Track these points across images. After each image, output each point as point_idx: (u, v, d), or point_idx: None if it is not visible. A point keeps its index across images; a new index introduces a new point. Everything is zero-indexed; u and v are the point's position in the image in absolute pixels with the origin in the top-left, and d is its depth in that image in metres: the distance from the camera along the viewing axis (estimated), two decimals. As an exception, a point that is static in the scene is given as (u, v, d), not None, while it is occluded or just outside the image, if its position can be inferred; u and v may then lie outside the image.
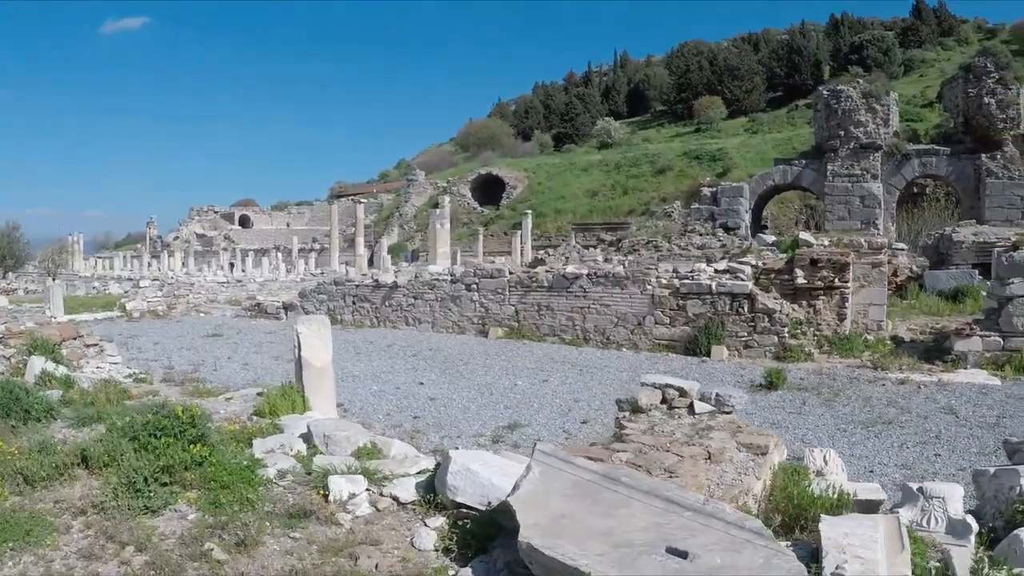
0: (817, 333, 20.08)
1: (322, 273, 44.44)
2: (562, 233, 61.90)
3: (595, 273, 21.90)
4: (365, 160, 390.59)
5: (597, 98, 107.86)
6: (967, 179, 42.80)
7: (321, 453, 7.74)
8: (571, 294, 21.93)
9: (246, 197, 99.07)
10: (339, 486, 6.47)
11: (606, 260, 42.55)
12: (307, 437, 8.19)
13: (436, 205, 71.58)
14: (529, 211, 59.53)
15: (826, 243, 23.03)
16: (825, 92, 47.15)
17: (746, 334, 19.80)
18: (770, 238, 26.67)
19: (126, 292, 32.77)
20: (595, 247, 50.11)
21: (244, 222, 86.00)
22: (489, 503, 5.81)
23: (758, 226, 49.17)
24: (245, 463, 7.11)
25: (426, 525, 5.88)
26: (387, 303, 24.91)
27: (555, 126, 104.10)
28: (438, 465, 6.67)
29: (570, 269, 22.74)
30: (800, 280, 20.51)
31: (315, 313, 26.19)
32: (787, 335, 19.53)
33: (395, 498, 6.44)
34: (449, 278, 23.85)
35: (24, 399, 9.50)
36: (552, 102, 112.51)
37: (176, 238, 73.95)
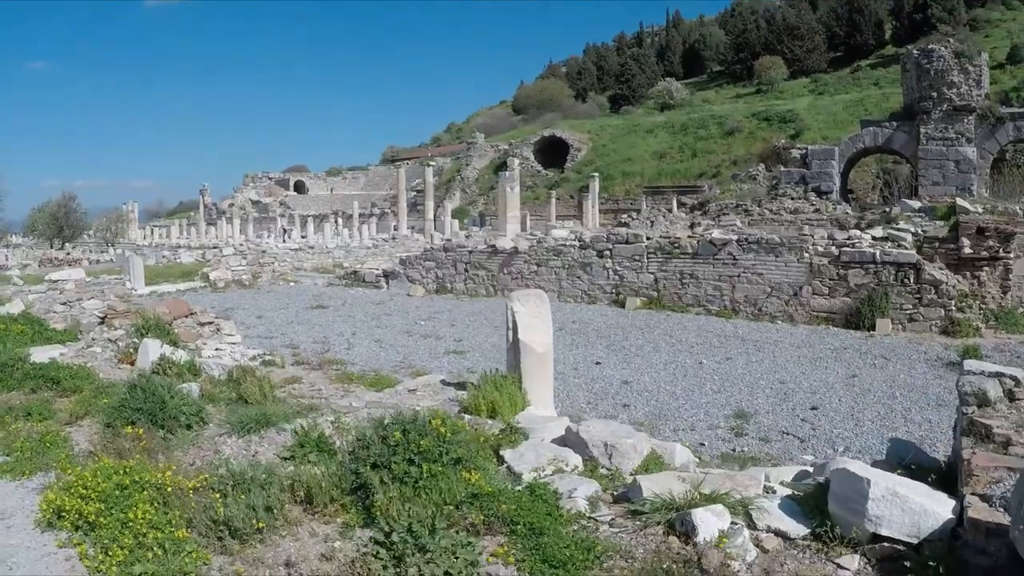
0: (983, 307, 18.18)
1: (393, 238, 42.65)
2: (630, 196, 59.97)
3: (746, 239, 19.86)
4: (413, 125, 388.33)
5: (652, 59, 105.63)
6: (1063, 145, 40.49)
7: (603, 467, 6.32)
8: (719, 261, 19.91)
9: (297, 163, 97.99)
10: (706, 522, 4.78)
11: (693, 224, 40.54)
12: (567, 444, 6.74)
13: (498, 168, 69.87)
14: (596, 174, 57.43)
15: (980, 210, 21.32)
16: (916, 51, 44.47)
17: (911, 307, 17.91)
18: (916, 204, 24.59)
19: (205, 260, 30.95)
20: (671, 210, 47.92)
21: (299, 188, 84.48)
22: (919, 535, 4.46)
23: (845, 190, 46.89)
24: (539, 493, 5.43)
25: (841, 567, 4.48)
26: (505, 271, 22.87)
27: (609, 88, 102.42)
28: (819, 482, 5.34)
29: (716, 235, 20.69)
30: (967, 250, 18.86)
31: (419, 281, 24.41)
32: (954, 308, 17.63)
33: (780, 533, 4.86)
34: (578, 244, 21.78)
35: (170, 403, 7.61)
36: (605, 63, 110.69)
37: (231, 205, 72.29)
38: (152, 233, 65.55)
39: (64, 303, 19.35)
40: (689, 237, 20.81)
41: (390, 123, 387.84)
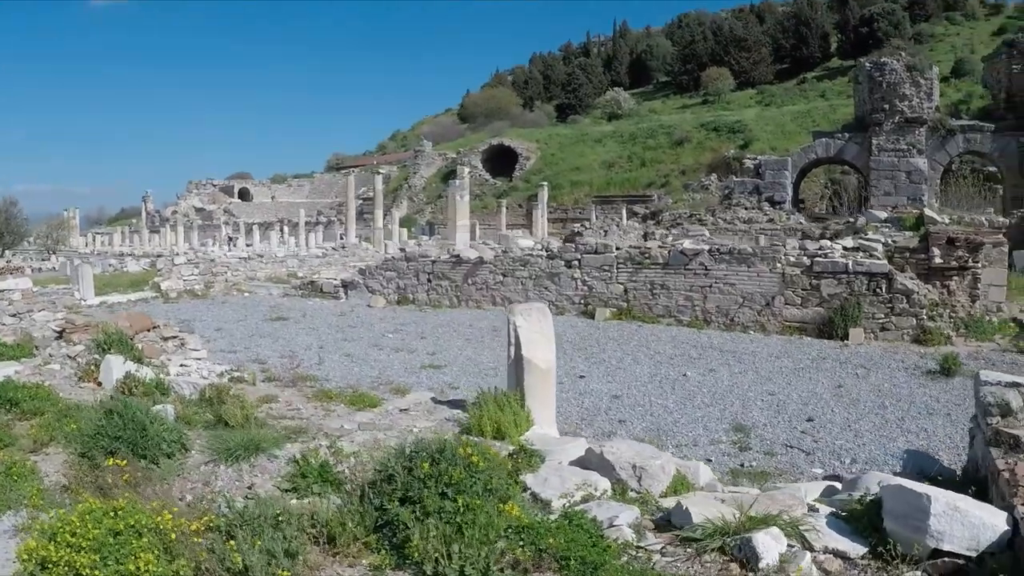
0: (952, 315, 18.15)
1: (343, 247, 41.84)
2: (579, 205, 59.67)
3: (717, 249, 19.56)
4: (358, 132, 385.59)
5: (599, 68, 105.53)
6: (1011, 157, 40.60)
7: (632, 490, 6.07)
8: (690, 272, 19.57)
9: (241, 171, 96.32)
10: (767, 547, 4.59)
11: (647, 235, 40.25)
12: (588, 467, 6.48)
13: (446, 177, 69.28)
14: (545, 183, 57.00)
15: (947, 221, 21.37)
16: (868, 64, 44.79)
17: (883, 316, 17.92)
18: (882, 214, 24.55)
19: (155, 269, 29.95)
20: (622, 220, 47.56)
21: (243, 195, 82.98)
22: (978, 548, 4.43)
23: (796, 200, 47.03)
24: (578, 523, 5.00)
25: (909, 587, 4.30)
26: (470, 281, 22.23)
27: (556, 96, 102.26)
28: (870, 499, 5.20)
29: (688, 245, 20.32)
30: (937, 260, 19.03)
31: (379, 292, 23.72)
32: (925, 317, 17.67)
33: (839, 553, 4.71)
34: (545, 254, 21.26)
35: (151, 429, 6.94)
36: (552, 72, 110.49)
37: (175, 212, 70.93)
38: (94, 240, 63.86)
39: (13, 315, 18.42)
40: (660, 247, 20.40)
41: (334, 130, 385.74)
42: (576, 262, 20.83)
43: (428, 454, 5.40)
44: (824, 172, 53.52)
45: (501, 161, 69.50)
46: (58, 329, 12.11)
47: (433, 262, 23.02)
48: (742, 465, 9.00)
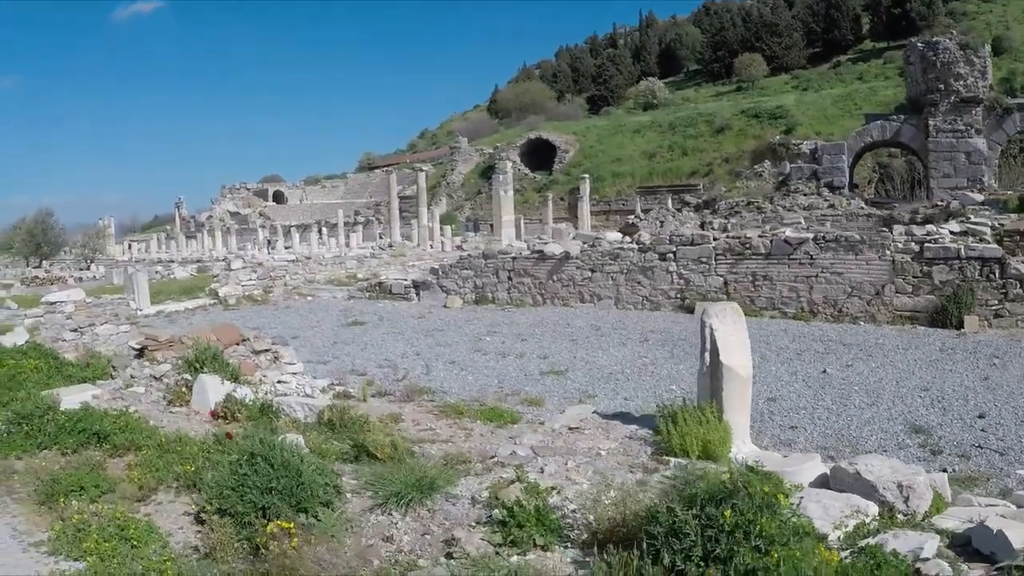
0: (1065, 302, 16.88)
1: (390, 246, 40.55)
2: (622, 197, 58.48)
3: (823, 237, 18.10)
4: (385, 132, 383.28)
5: (628, 59, 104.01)
6: (1070, 134, 39.43)
7: (900, 512, 5.46)
8: (794, 261, 18.08)
9: (271, 173, 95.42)
10: None
11: (704, 224, 38.73)
12: (836, 487, 5.83)
13: (484, 173, 68.11)
14: (586, 175, 55.58)
15: None
16: (920, 44, 43.33)
17: (996, 302, 16.64)
18: (978, 196, 23.16)
19: (211, 275, 28.58)
20: (678, 209, 46.09)
21: (278, 198, 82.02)
22: None
23: (851, 185, 45.48)
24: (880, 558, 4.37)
25: None
26: (555, 277, 20.72)
27: (585, 89, 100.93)
28: None
29: (791, 233, 18.81)
30: None
31: (455, 292, 22.32)
32: None
33: None
34: (636, 247, 19.77)
35: (307, 473, 5.52)
36: (580, 65, 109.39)
37: (210, 217, 69.89)
38: (130, 248, 63.13)
39: (74, 329, 17.23)
40: (761, 236, 18.91)
41: (360, 131, 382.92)
42: (671, 255, 19.34)
43: (718, 497, 4.31)
44: (872, 156, 51.95)
45: (539, 155, 68.23)
46: (138, 346, 10.64)
47: (514, 259, 21.53)
48: (945, 470, 7.76)
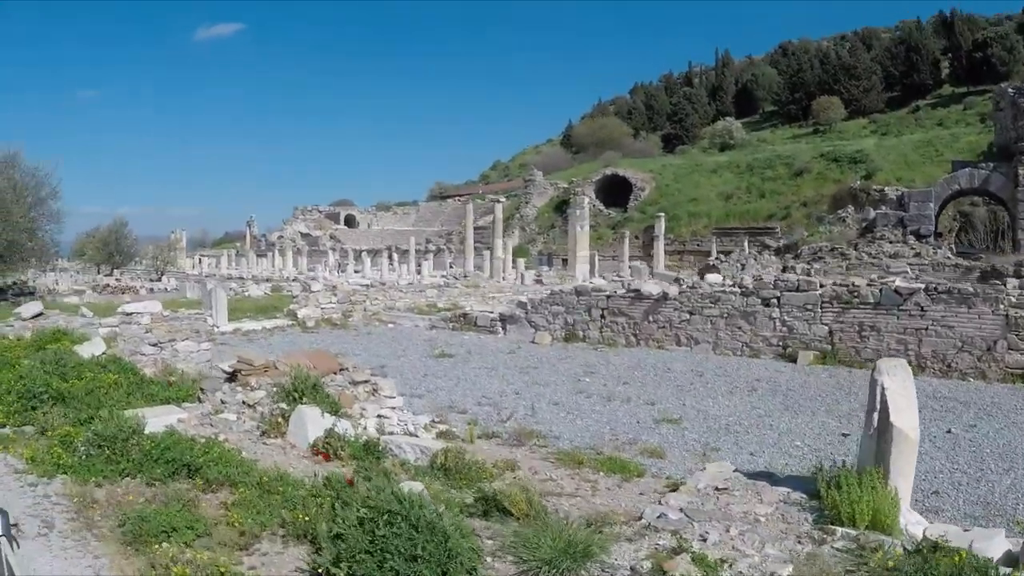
0: None
1: (465, 276, 39.90)
2: (697, 237, 57.45)
3: (935, 288, 17.06)
4: (457, 162, 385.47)
5: (704, 98, 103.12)
6: None
7: None
8: (903, 312, 17.04)
9: (342, 198, 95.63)
10: None
11: (786, 268, 37.64)
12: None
13: (558, 207, 67.52)
14: (662, 214, 54.72)
15: None
16: (1011, 90, 42.06)
17: None
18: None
19: (291, 295, 28.04)
20: (760, 253, 45.04)
21: (349, 222, 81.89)
22: None
23: (936, 233, 44.13)
24: None
25: None
26: (651, 318, 19.84)
27: (660, 127, 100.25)
28: None
29: (901, 283, 17.85)
30: None
31: (544, 328, 21.53)
32: None
33: None
34: (739, 291, 18.83)
35: (454, 538, 4.74)
36: (655, 103, 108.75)
37: (280, 237, 69.92)
38: (200, 262, 63.41)
39: (154, 344, 16.70)
40: (869, 285, 17.90)
41: (433, 160, 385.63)
42: (775, 300, 18.36)
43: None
44: (953, 204, 50.59)
45: (614, 191, 67.46)
46: (230, 369, 9.98)
47: (608, 297, 20.65)
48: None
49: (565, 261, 50.44)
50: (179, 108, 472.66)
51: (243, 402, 9.47)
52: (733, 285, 19.44)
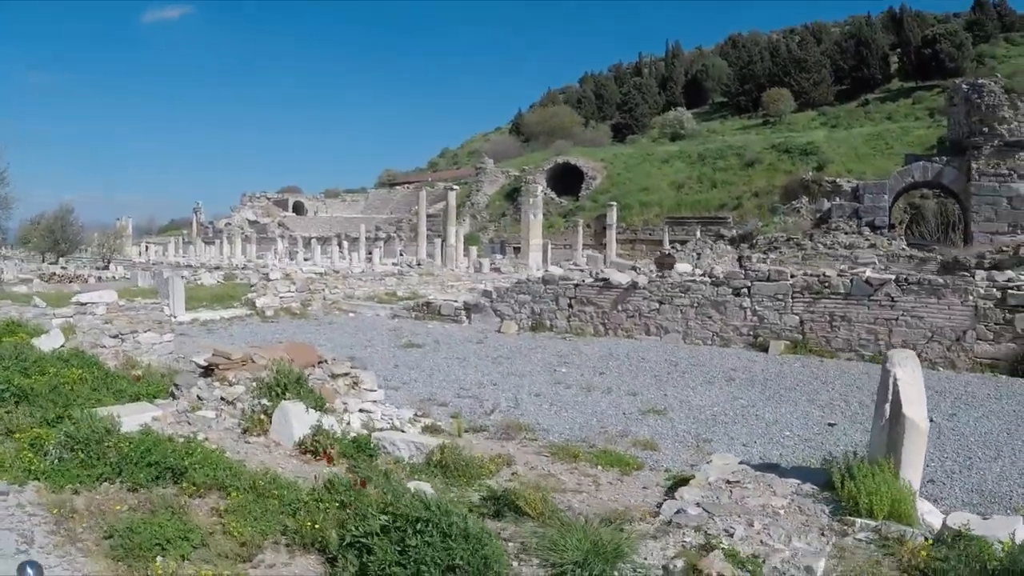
0: None
1: (418, 264, 39.52)
2: (649, 227, 57.52)
3: (905, 279, 17.09)
4: (404, 149, 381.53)
5: (654, 88, 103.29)
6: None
7: None
8: (874, 303, 17.01)
9: (290, 184, 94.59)
10: None
11: (741, 258, 37.66)
12: None
13: (509, 195, 67.16)
14: (614, 203, 54.61)
15: None
16: (964, 86, 42.51)
17: None
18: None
19: (251, 285, 27.27)
20: (716, 241, 45.02)
21: (297, 209, 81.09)
22: None
23: (890, 225, 44.52)
24: None
25: None
26: (619, 307, 19.60)
27: (609, 116, 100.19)
28: None
29: (872, 274, 17.80)
30: None
31: (510, 317, 21.23)
32: None
33: None
34: (709, 280, 18.64)
35: (491, 546, 4.44)
36: (605, 92, 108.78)
37: (228, 224, 68.94)
38: (147, 250, 62.32)
39: (114, 335, 16.09)
40: (840, 275, 17.85)
41: (381, 147, 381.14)
42: (745, 290, 18.22)
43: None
44: (904, 197, 51.11)
45: (566, 180, 67.31)
46: (205, 363, 9.50)
47: (576, 286, 20.34)
48: None
49: (517, 249, 50.18)
50: (126, 92, 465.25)
51: (221, 398, 8.94)
52: (703, 274, 19.27)
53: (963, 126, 41.18)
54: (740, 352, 17.49)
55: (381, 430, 8.37)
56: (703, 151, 67.16)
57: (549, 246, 49.30)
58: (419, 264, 39.49)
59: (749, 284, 18.19)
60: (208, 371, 9.42)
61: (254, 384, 8.93)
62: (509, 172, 72.44)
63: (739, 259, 37.26)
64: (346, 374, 9.78)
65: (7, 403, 9.09)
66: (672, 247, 42.56)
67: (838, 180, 49.03)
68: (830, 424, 11.28)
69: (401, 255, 52.86)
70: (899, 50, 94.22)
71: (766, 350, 17.35)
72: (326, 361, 9.89)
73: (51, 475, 6.80)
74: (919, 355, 15.88)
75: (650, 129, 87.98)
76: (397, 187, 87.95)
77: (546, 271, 26.52)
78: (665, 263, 26.35)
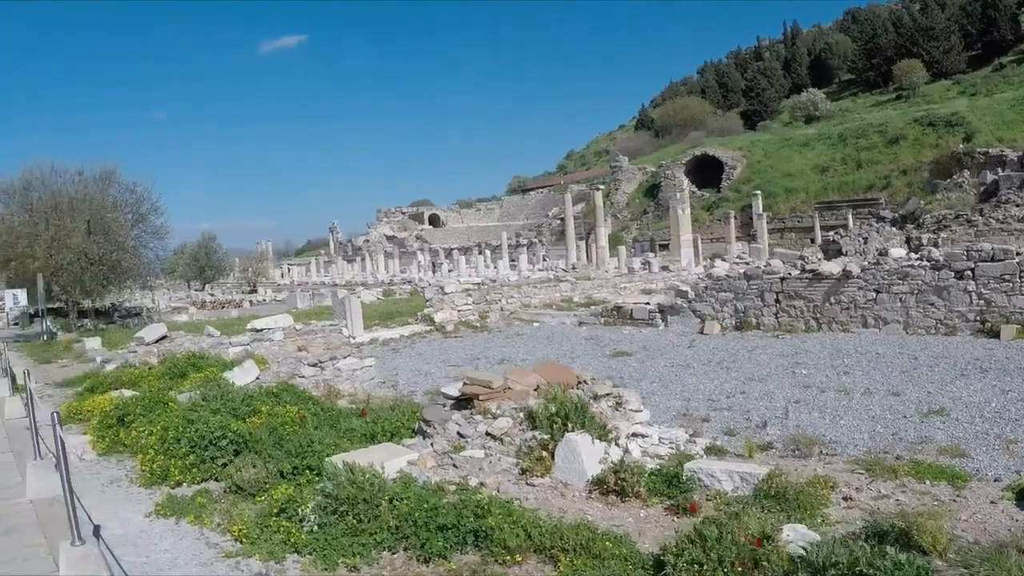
0: None
1: (573, 268, 39.10)
2: (796, 213, 56.01)
3: None
4: (529, 156, 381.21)
5: (779, 72, 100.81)
6: None
7: None
8: (1118, 275, 15.91)
9: (421, 198, 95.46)
10: None
11: (909, 239, 36.38)
12: None
13: (648, 192, 66.49)
14: (758, 192, 53.34)
15: None
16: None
17: None
18: None
19: (427, 300, 27.22)
20: (850, 223, 43.65)
21: (434, 221, 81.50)
22: None
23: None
24: None
25: None
26: (832, 299, 18.70)
27: (735, 104, 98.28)
28: None
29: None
30: None
31: (712, 317, 20.56)
32: None
33: None
34: (928, 264, 17.64)
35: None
36: (728, 80, 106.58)
37: (366, 240, 69.73)
38: (289, 271, 63.54)
39: (313, 364, 16.00)
40: (1079, 251, 16.71)
41: (503, 156, 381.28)
42: (969, 272, 17.13)
43: None
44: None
45: (705, 172, 66.15)
46: (460, 394, 8.79)
47: (782, 279, 19.53)
48: None
49: (663, 246, 49.45)
50: (250, 120, 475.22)
51: (487, 433, 8.19)
52: (920, 259, 18.25)
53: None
54: (970, 340, 16.34)
55: (693, 458, 7.79)
56: (843, 131, 65.16)
57: (699, 240, 48.44)
58: (574, 268, 39.09)
59: (972, 266, 17.07)
60: (461, 403, 8.80)
61: (521, 415, 8.25)
62: (645, 168, 71.57)
63: (907, 240, 36.01)
64: (608, 394, 9.03)
65: (225, 452, 8.46)
66: (837, 232, 41.30)
67: (991, 151, 47.15)
68: None
69: (544, 259, 52.57)
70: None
71: (998, 336, 16.18)
72: (586, 381, 9.14)
73: (316, 547, 6.01)
74: None
75: (779, 113, 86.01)
76: (530, 192, 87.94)
77: (711, 266, 25.87)
78: (831, 251, 25.46)
